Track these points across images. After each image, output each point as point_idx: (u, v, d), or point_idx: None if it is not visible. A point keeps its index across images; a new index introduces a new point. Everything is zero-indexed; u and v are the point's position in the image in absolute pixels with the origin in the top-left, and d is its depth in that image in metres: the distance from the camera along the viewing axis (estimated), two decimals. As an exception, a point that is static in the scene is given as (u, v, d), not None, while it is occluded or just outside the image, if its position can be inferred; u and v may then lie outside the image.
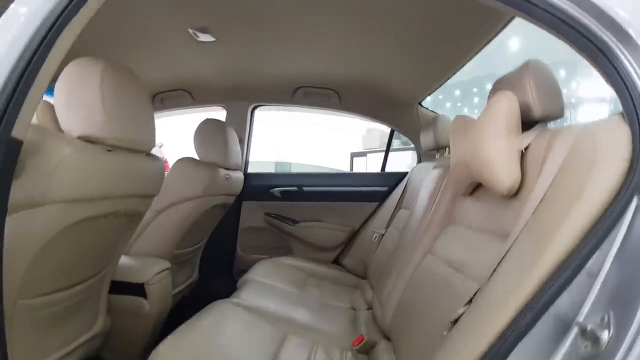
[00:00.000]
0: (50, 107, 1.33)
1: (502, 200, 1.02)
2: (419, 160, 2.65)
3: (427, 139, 2.20)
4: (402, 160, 3.97)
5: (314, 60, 2.20)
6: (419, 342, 1.09)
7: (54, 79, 0.95)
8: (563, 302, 0.64)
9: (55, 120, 1.09)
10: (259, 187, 2.70)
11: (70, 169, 0.96)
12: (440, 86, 2.30)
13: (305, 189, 2.69)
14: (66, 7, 0.76)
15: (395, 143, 2.94)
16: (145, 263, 1.70)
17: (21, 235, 0.91)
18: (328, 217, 2.68)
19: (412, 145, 2.71)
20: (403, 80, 2.32)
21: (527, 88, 0.99)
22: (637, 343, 0.56)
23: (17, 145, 0.72)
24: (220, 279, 2.61)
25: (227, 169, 2.19)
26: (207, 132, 2.13)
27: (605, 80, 0.73)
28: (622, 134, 0.67)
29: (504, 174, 0.94)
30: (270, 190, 2.68)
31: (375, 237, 2.36)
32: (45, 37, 0.74)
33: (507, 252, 0.79)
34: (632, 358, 0.56)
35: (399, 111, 2.62)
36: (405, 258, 1.51)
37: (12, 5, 0.76)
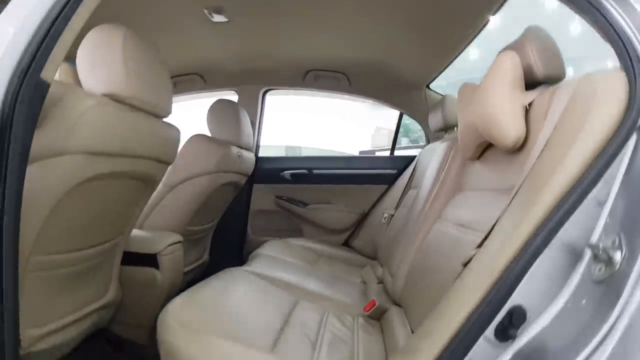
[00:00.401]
0: (72, 71, 1.36)
1: (508, 157, 1.06)
2: (427, 142, 2.66)
3: (435, 120, 2.21)
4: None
5: (324, 44, 2.24)
6: (432, 301, 1.11)
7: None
8: (573, 229, 0.66)
9: (77, 82, 1.12)
10: (269, 170, 2.74)
11: (92, 121, 0.99)
12: (447, 67, 2.32)
13: (315, 171, 2.72)
14: None
15: (404, 141, 2.98)
16: (158, 235, 1.73)
17: (40, 185, 0.93)
18: (338, 200, 2.71)
19: (420, 144, 2.73)
20: (410, 63, 2.36)
21: (529, 51, 1.04)
22: None
23: (45, 86, 0.75)
24: (230, 262, 2.64)
25: (239, 147, 2.22)
26: (220, 110, 2.17)
27: (602, 36, 0.77)
28: (619, 79, 0.71)
29: (510, 127, 0.97)
30: (281, 173, 2.72)
31: (385, 217, 2.37)
32: None
33: (514, 196, 0.81)
34: None
35: (407, 94, 2.65)
36: (414, 228, 1.53)
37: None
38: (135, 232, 1.66)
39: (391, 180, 2.64)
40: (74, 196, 1.04)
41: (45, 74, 0.74)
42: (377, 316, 1.44)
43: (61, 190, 1.00)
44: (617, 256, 0.60)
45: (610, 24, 0.77)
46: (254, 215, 2.76)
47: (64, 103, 0.94)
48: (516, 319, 0.64)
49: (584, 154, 0.68)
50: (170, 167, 1.54)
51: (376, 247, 2.40)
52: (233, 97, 2.77)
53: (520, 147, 1.00)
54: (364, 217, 2.69)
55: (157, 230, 1.83)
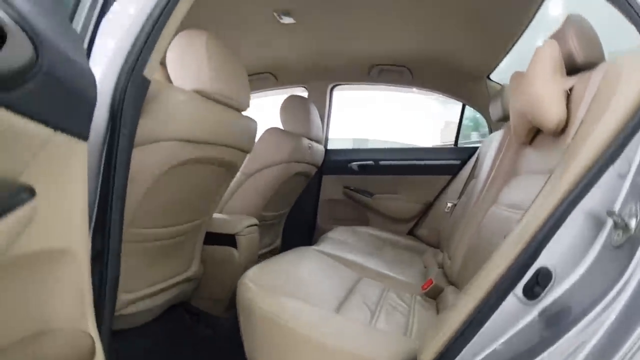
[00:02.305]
0: (162, 70, 1.57)
1: (554, 140, 1.12)
2: (490, 132, 2.67)
3: (495, 109, 2.24)
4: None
5: (386, 39, 2.33)
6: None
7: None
8: (596, 199, 0.73)
9: (168, 80, 1.32)
10: (338, 162, 2.88)
11: (183, 113, 1.17)
12: (506, 55, 2.31)
13: (381, 163, 2.82)
14: None
15: (474, 136, 2.99)
16: (236, 218, 1.92)
17: (140, 167, 1.09)
18: (403, 190, 2.79)
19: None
20: (469, 54, 2.39)
21: (569, 39, 1.11)
22: None
23: (147, 83, 0.92)
24: None
25: (309, 139, 2.38)
26: (292, 105, 2.34)
27: (626, 17, 0.84)
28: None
29: (551, 111, 1.04)
30: (349, 165, 2.85)
31: (448, 207, 2.43)
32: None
33: (550, 175, 0.88)
34: None
35: (468, 85, 2.69)
36: (471, 213, 1.60)
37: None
38: (216, 215, 1.85)
39: (455, 170, 2.68)
40: (167, 178, 1.22)
41: (147, 72, 0.90)
42: (434, 295, 1.53)
43: (157, 172, 1.17)
44: (633, 222, 0.67)
45: (631, 6, 0.83)
46: (323, 204, 2.92)
47: (160, 98, 1.11)
48: (542, 279, 0.73)
49: (607, 131, 0.74)
50: (248, 157, 1.71)
51: (439, 235, 2.46)
52: (303, 93, 2.95)
53: (563, 130, 1.06)
54: (428, 206, 2.75)
55: (236, 213, 2.03)
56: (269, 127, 2.17)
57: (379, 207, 2.81)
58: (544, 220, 0.76)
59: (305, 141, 2.30)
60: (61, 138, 0.59)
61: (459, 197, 2.39)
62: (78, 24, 0.82)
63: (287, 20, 2.09)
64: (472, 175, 2.40)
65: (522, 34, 2.02)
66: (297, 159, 2.22)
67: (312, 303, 1.11)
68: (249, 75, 2.79)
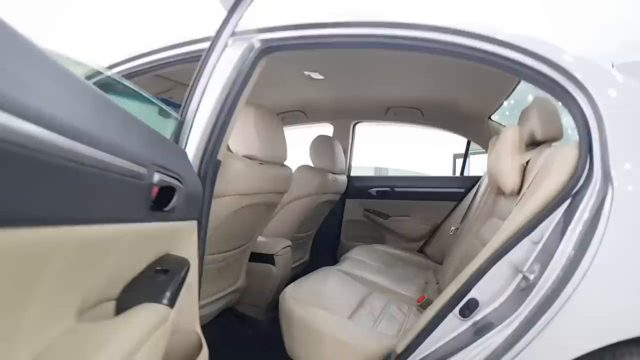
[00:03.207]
0: None
1: (514, 197, 1.52)
2: None
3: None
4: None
5: (401, 85, 2.73)
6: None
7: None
8: (515, 256, 1.14)
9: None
10: (359, 187, 3.33)
11: (240, 175, 1.63)
12: (506, 99, 2.61)
13: (396, 189, 3.27)
14: (246, 76, 1.34)
15: None
16: (274, 241, 2.37)
17: (213, 213, 1.33)
18: (415, 213, 3.22)
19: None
20: (472, 99, 2.74)
21: (532, 118, 1.52)
22: (548, 280, 1.05)
23: (219, 163, 1.32)
24: (326, 261, 3.25)
25: (334, 173, 2.85)
26: (320, 145, 2.80)
27: (571, 115, 1.12)
28: (573, 155, 1.11)
29: (509, 180, 1.47)
30: (368, 190, 3.30)
31: (452, 230, 2.85)
32: (234, 100, 1.32)
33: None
34: (545, 287, 1.06)
35: (472, 125, 3.07)
36: (459, 242, 2.04)
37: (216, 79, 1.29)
38: (259, 238, 2.34)
39: (459, 197, 3.07)
40: (229, 218, 1.66)
41: (219, 156, 1.28)
42: (426, 306, 1.88)
43: (222, 215, 1.61)
44: (532, 277, 1.08)
45: (580, 113, 1.09)
46: (346, 224, 3.38)
47: (226, 166, 1.52)
48: (471, 306, 1.16)
49: (534, 206, 1.13)
50: (283, 192, 2.17)
51: (444, 254, 2.88)
52: (329, 128, 3.41)
53: (519, 191, 1.46)
54: (436, 228, 3.15)
55: (273, 237, 2.49)
56: (300, 165, 2.64)
57: (393, 227, 3.24)
58: (478, 266, 1.19)
59: (330, 176, 2.77)
60: (191, 223, 1.06)
61: (461, 222, 2.80)
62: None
63: (316, 76, 2.55)
64: (472, 203, 2.81)
65: (519, 82, 2.32)
66: (323, 191, 2.69)
67: (332, 312, 1.56)
68: (282, 113, 3.30)
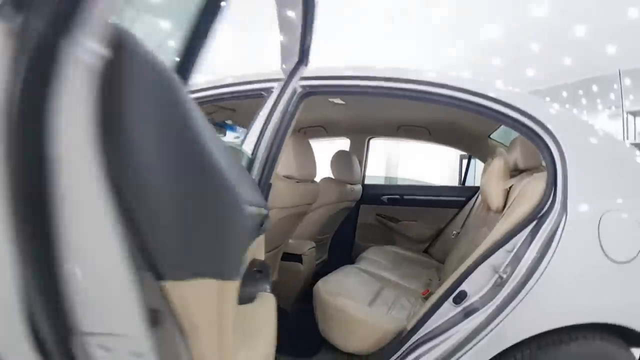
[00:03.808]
0: None
1: (499, 214, 1.93)
2: None
3: None
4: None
5: (411, 108, 3.04)
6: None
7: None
8: (495, 260, 1.53)
9: None
10: (373, 195, 3.72)
11: (282, 192, 2.01)
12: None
13: (405, 197, 3.68)
14: (291, 116, 1.74)
15: None
16: (302, 243, 2.77)
17: None
18: (421, 218, 3.61)
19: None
20: (474, 119, 2.96)
21: (516, 149, 1.92)
22: (516, 278, 1.43)
23: (270, 186, 1.71)
24: (343, 261, 3.41)
25: (351, 184, 3.26)
26: (340, 159, 3.21)
27: (542, 155, 1.45)
28: (540, 186, 1.48)
29: (494, 201, 1.88)
30: (381, 197, 3.70)
31: (454, 234, 3.25)
32: (283, 135, 1.77)
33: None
34: (514, 283, 1.45)
35: (474, 142, 3.39)
36: (458, 246, 2.45)
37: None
38: (290, 240, 2.75)
39: (461, 205, 3.45)
40: (273, 227, 2.09)
41: (271, 180, 1.70)
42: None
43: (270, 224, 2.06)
44: (505, 275, 1.46)
45: (549, 154, 1.39)
46: (360, 227, 3.75)
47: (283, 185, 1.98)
48: (462, 296, 1.56)
49: (510, 224, 1.50)
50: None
51: (446, 255, 3.28)
52: (347, 142, 3.83)
53: (502, 209, 1.89)
54: (439, 232, 3.51)
55: (300, 239, 2.90)
56: (323, 177, 3.06)
57: (402, 230, 3.63)
58: (468, 266, 1.60)
59: (348, 186, 3.18)
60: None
61: (462, 227, 3.20)
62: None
63: (338, 101, 2.94)
64: (471, 212, 3.22)
65: None
66: (342, 200, 3.11)
67: (355, 300, 1.97)
68: (304, 127, 3.71)
